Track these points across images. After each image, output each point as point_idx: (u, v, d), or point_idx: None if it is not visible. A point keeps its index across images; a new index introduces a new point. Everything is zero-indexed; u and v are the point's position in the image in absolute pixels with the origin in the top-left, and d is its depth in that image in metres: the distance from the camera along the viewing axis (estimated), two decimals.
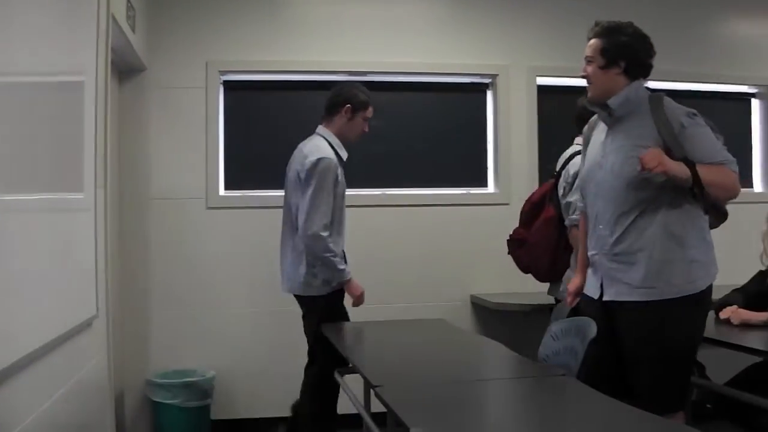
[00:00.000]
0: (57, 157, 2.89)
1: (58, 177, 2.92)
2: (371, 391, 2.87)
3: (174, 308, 5.40)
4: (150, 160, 5.43)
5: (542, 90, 5.93)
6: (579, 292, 3.60)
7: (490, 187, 5.96)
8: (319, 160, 4.27)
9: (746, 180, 6.12)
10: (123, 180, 5.29)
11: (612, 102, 3.37)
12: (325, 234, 4.22)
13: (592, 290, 3.49)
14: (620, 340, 3.32)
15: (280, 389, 5.35)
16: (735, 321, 3.78)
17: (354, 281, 4.40)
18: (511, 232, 4.57)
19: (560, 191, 4.27)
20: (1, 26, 2.15)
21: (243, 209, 5.54)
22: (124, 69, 5.25)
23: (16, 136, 2.30)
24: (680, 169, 3.17)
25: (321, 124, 4.53)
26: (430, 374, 3.23)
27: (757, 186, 6.38)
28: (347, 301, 4.49)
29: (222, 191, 5.57)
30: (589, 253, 3.51)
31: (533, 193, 4.68)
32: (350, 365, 3.60)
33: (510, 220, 5.68)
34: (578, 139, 4.03)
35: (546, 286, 4.54)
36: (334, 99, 4.49)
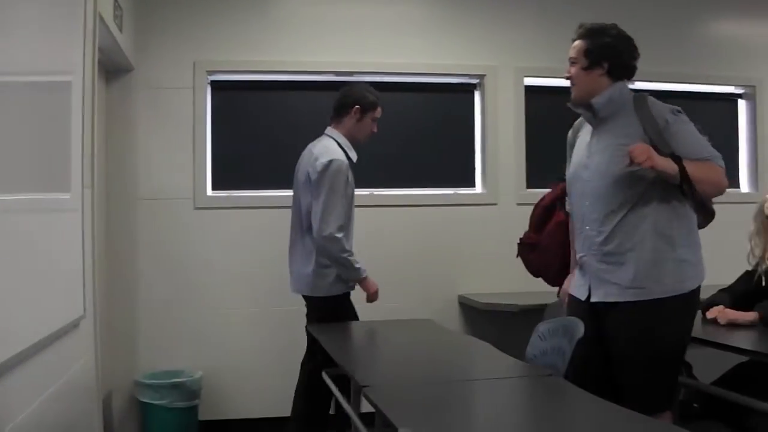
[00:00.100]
0: (44, 157, 2.88)
1: (45, 177, 2.91)
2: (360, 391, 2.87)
3: (162, 309, 5.39)
4: (137, 160, 5.41)
5: (530, 90, 5.94)
6: None
7: (478, 188, 5.96)
8: (330, 161, 4.29)
9: (733, 180, 6.15)
10: (110, 180, 5.27)
11: (595, 101, 3.38)
12: (340, 235, 4.25)
13: (579, 291, 3.50)
14: (608, 340, 3.33)
15: (267, 390, 5.36)
16: (722, 321, 3.79)
17: (370, 279, 4.45)
18: (522, 236, 4.54)
19: None
20: None
21: (231, 209, 5.53)
22: (112, 69, 5.23)
23: (2, 136, 2.29)
24: (668, 165, 3.18)
25: (330, 125, 4.55)
26: (419, 374, 3.23)
27: (744, 186, 6.40)
28: (361, 297, 4.51)
29: (209, 191, 5.55)
30: (577, 255, 3.52)
31: (544, 197, 4.65)
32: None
33: (498, 221, 5.73)
34: None
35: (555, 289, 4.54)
36: (343, 100, 4.52)
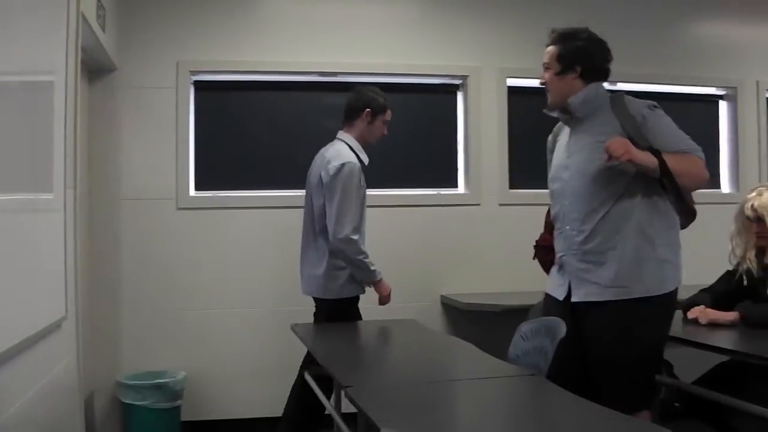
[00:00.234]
0: (26, 157, 2.87)
1: (28, 177, 2.90)
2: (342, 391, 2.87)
3: (144, 309, 5.37)
4: (120, 161, 5.39)
5: (513, 91, 5.94)
6: None
7: (461, 188, 5.97)
8: (343, 165, 4.35)
9: (714, 181, 6.18)
10: (93, 180, 5.25)
11: (571, 100, 3.40)
12: (355, 237, 4.31)
13: (557, 291, 3.51)
14: (587, 340, 3.34)
15: (250, 390, 5.36)
16: (703, 321, 3.81)
17: (384, 281, 4.51)
18: (538, 238, 4.53)
19: None
20: None
21: (213, 210, 5.52)
22: (95, 69, 5.21)
23: None
24: (647, 158, 3.19)
25: (341, 129, 4.60)
26: (401, 374, 3.24)
27: (725, 187, 6.43)
28: (373, 299, 4.55)
29: (192, 192, 5.54)
30: (557, 255, 3.53)
31: None
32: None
33: (481, 221, 5.74)
34: None
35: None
36: (353, 104, 4.58)
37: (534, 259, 4.49)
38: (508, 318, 4.35)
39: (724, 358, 3.75)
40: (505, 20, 5.93)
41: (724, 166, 6.45)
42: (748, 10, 6.42)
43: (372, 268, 4.41)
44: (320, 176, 4.43)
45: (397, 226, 5.70)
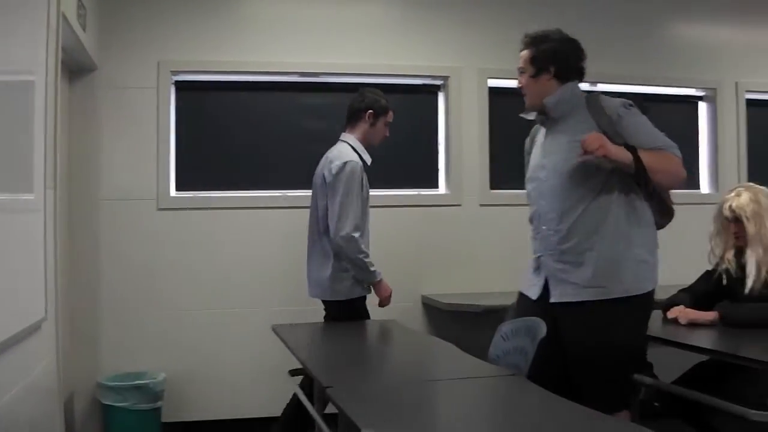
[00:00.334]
0: (6, 157, 2.85)
1: (8, 178, 2.88)
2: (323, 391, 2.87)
3: (124, 310, 5.35)
4: (100, 161, 5.36)
5: (493, 92, 5.95)
6: None
7: (442, 189, 5.98)
8: (345, 163, 4.38)
9: (693, 182, 6.23)
10: (73, 180, 5.23)
11: (546, 100, 3.42)
12: (356, 235, 4.31)
13: (531, 290, 3.52)
14: (565, 340, 3.35)
15: (230, 392, 5.35)
16: (682, 321, 3.82)
17: (384, 282, 4.52)
18: None
19: None
20: None
21: (194, 210, 5.50)
22: (75, 68, 5.19)
23: None
24: (622, 154, 3.20)
25: (344, 131, 4.63)
26: (382, 375, 3.25)
27: (704, 188, 6.45)
28: (373, 300, 4.55)
29: (173, 192, 5.52)
30: (534, 255, 3.54)
31: None
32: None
33: (462, 221, 5.75)
34: None
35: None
36: (356, 105, 4.62)
37: None
38: (489, 318, 4.36)
39: (704, 357, 3.77)
40: (486, 21, 5.94)
41: (703, 166, 6.47)
42: (728, 11, 6.46)
43: (372, 268, 4.41)
44: (323, 176, 4.46)
45: (378, 226, 5.65)
